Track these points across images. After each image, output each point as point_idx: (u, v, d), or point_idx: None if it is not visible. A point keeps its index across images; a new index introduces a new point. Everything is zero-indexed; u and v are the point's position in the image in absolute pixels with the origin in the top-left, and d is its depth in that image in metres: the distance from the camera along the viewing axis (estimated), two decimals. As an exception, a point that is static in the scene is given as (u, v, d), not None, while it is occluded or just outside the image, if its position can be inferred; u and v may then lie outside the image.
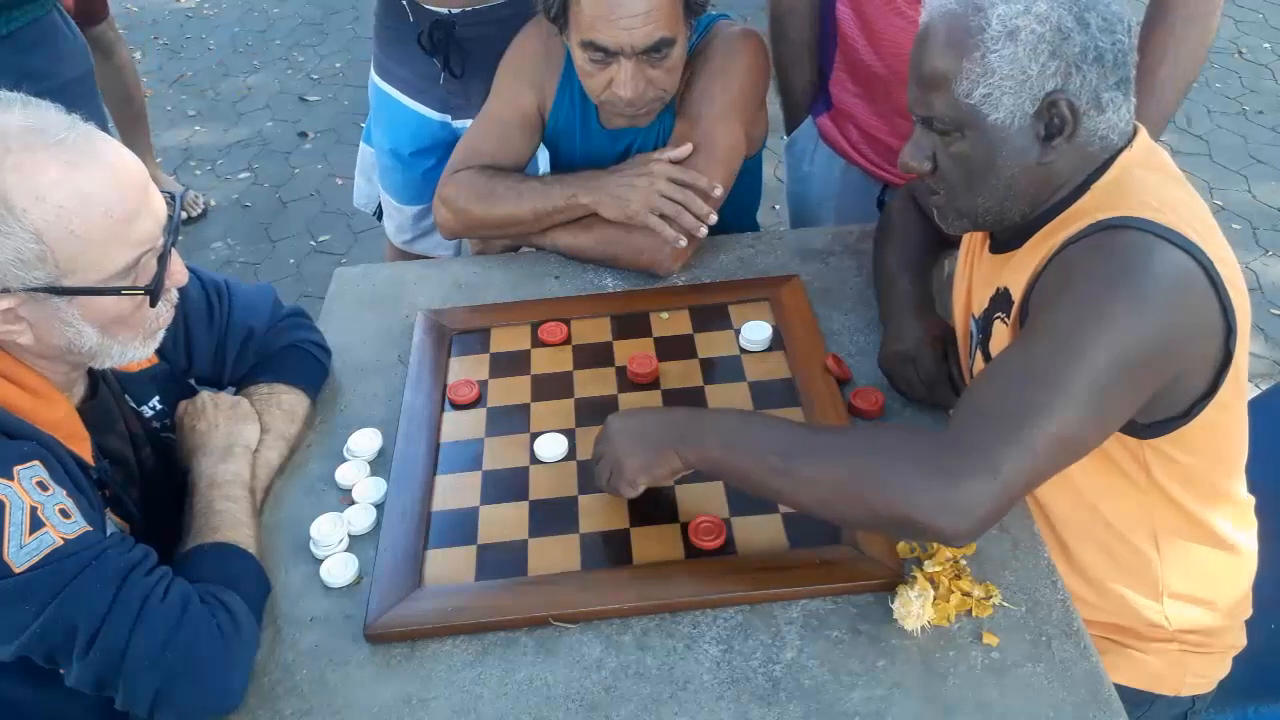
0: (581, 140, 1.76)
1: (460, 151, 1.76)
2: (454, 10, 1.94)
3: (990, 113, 1.11)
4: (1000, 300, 1.23)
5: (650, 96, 1.59)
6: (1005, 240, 1.25)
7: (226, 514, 1.21)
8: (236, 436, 1.31)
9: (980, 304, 1.30)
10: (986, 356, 1.27)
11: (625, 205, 1.60)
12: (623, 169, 1.64)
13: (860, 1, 1.69)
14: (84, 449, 1.11)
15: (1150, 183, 1.13)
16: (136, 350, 1.13)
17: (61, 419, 1.10)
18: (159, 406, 1.29)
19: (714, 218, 1.61)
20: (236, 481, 1.26)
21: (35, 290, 1.01)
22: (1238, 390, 1.16)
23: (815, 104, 1.90)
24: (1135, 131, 1.17)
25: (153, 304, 1.09)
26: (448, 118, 2.07)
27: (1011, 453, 1.01)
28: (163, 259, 1.09)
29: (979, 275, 1.33)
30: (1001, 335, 1.23)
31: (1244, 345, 1.12)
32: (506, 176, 1.71)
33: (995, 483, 1.00)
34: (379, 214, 2.35)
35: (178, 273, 1.13)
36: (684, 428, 1.17)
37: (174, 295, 1.17)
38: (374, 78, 2.14)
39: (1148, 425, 1.15)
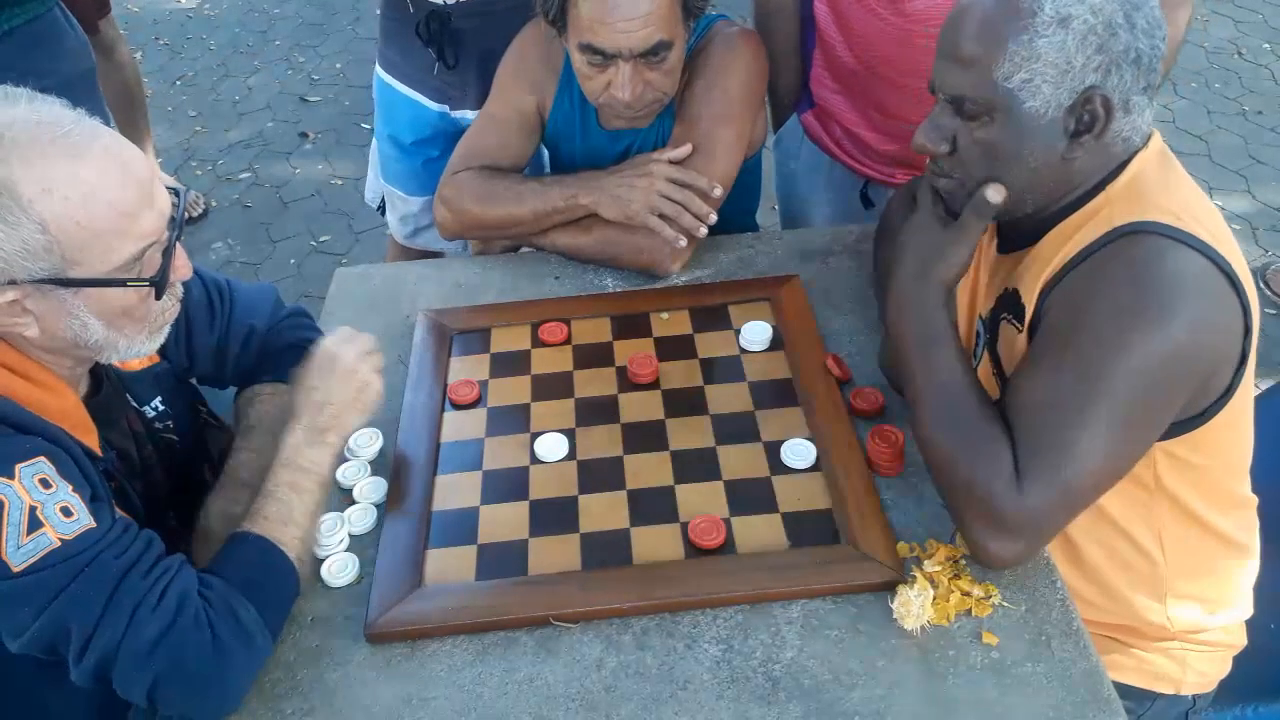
0: (581, 141, 1.76)
1: (460, 151, 1.77)
2: (449, 2, 1.95)
3: (1027, 99, 1.09)
4: (1009, 302, 1.23)
5: (649, 98, 1.59)
6: (1014, 239, 1.24)
7: (284, 505, 1.17)
8: (340, 423, 1.26)
9: (986, 304, 1.30)
10: (993, 357, 1.27)
11: (625, 206, 1.60)
12: (622, 169, 1.64)
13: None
14: (91, 440, 1.11)
15: (1164, 185, 1.14)
16: (142, 345, 1.13)
17: (69, 409, 1.10)
18: (161, 408, 1.29)
19: (713, 217, 1.61)
20: (314, 473, 1.22)
21: (41, 282, 1.01)
22: (1247, 389, 1.16)
23: (799, 101, 1.91)
24: (1150, 134, 1.17)
25: (158, 296, 1.10)
26: (445, 108, 2.09)
27: (1060, 508, 1.09)
28: (167, 253, 1.09)
29: (985, 273, 1.33)
30: (1011, 339, 1.22)
31: (1254, 344, 1.12)
32: (505, 177, 1.71)
33: (1039, 538, 1.11)
34: (383, 209, 2.37)
35: (182, 267, 1.13)
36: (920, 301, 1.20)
37: (179, 290, 1.17)
38: (378, 70, 2.16)
39: None
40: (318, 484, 1.22)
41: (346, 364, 1.29)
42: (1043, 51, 1.07)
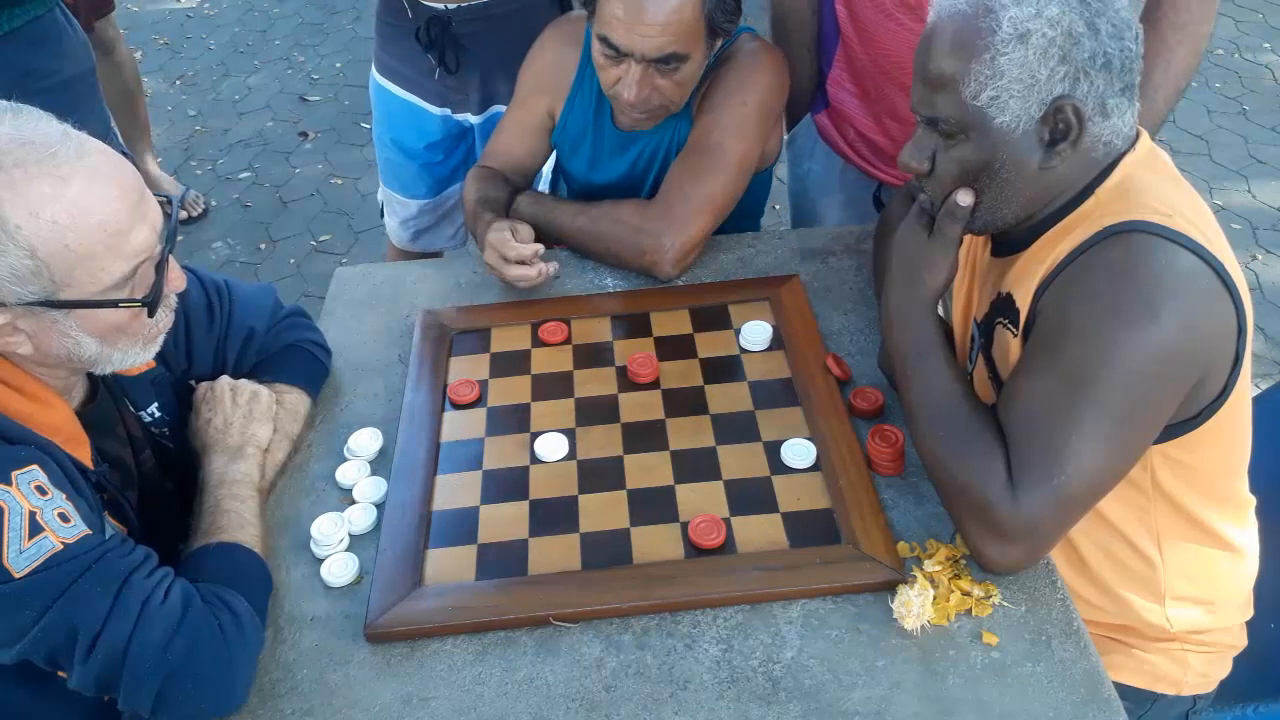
0: (593, 142, 1.78)
1: (486, 147, 1.87)
2: (449, 6, 1.96)
3: (996, 115, 1.10)
4: (1003, 306, 1.23)
5: (654, 103, 1.61)
6: (1007, 243, 1.24)
7: (234, 514, 1.21)
8: (249, 437, 1.31)
9: (981, 308, 1.30)
10: (988, 360, 1.27)
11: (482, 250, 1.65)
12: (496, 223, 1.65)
13: (852, 1, 1.70)
14: (83, 453, 1.10)
15: (1153, 185, 1.13)
16: (137, 356, 1.13)
17: (61, 423, 1.09)
18: (158, 414, 1.29)
19: (550, 272, 1.60)
20: (246, 481, 1.26)
21: (32, 305, 1.00)
22: (1244, 390, 1.16)
23: (814, 102, 1.91)
24: (1137, 135, 1.17)
25: (151, 314, 1.09)
26: (447, 111, 2.10)
27: (1056, 513, 1.09)
28: (160, 267, 1.08)
29: (980, 278, 1.33)
30: (1005, 343, 1.22)
31: (1249, 345, 1.12)
32: (485, 190, 1.74)
33: (1039, 544, 1.12)
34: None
35: (176, 280, 1.12)
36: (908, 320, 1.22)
37: (173, 301, 1.16)
38: (375, 76, 2.16)
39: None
40: (253, 488, 1.27)
41: (224, 386, 1.34)
42: (1005, 68, 1.08)
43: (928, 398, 1.17)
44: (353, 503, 1.31)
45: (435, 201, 2.23)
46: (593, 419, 1.40)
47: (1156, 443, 1.15)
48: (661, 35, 1.50)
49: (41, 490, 1.00)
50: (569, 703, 1.08)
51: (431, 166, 2.18)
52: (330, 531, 1.25)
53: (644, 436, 1.36)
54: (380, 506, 1.30)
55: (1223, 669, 1.34)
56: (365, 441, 1.39)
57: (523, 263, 1.58)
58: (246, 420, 1.32)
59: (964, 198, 1.16)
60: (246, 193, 3.79)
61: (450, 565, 1.22)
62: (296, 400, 1.42)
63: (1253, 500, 1.28)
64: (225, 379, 1.36)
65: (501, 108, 1.98)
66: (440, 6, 1.96)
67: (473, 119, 2.10)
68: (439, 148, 2.15)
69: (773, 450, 1.32)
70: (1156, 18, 1.53)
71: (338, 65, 4.60)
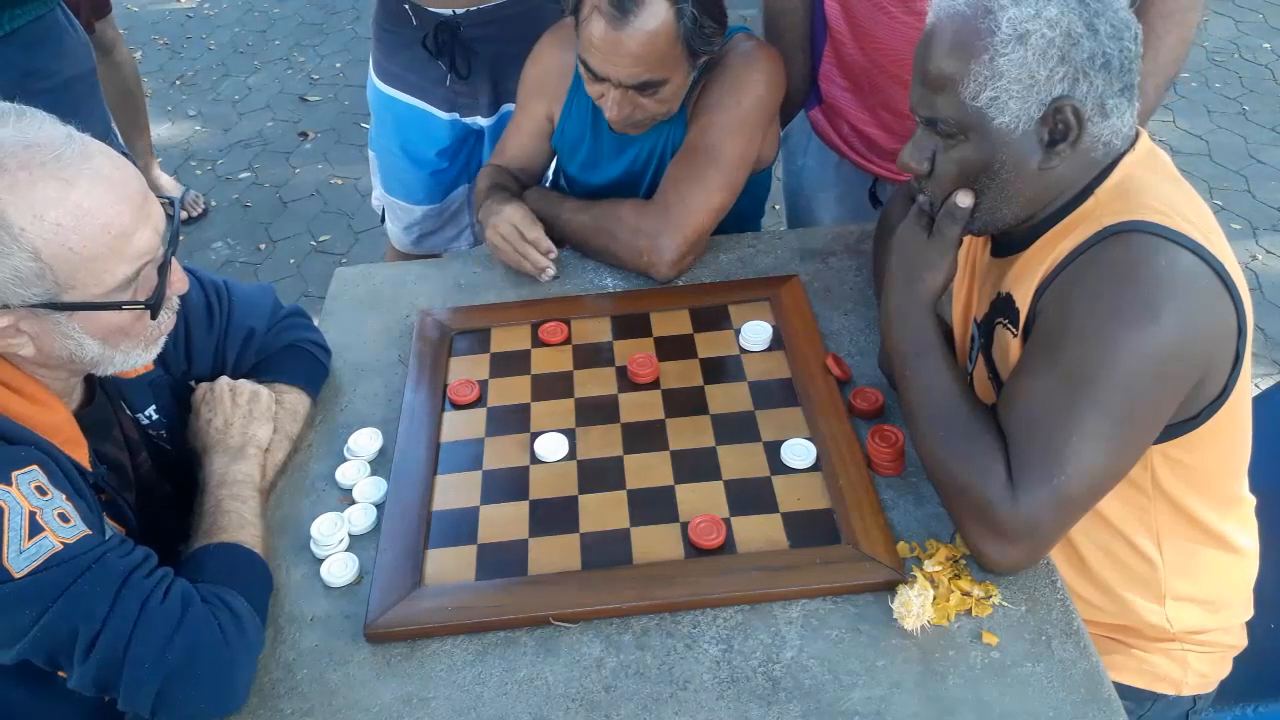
0: (591, 145, 1.79)
1: (495, 148, 1.89)
2: (458, 11, 1.95)
3: (996, 116, 1.10)
4: (1003, 306, 1.23)
5: (638, 118, 1.62)
6: (1007, 243, 1.25)
7: (234, 514, 1.21)
8: (250, 437, 1.31)
9: (981, 308, 1.30)
10: (988, 360, 1.27)
11: (486, 235, 1.69)
12: (495, 205, 1.70)
13: None
14: (81, 454, 1.10)
15: (1153, 185, 1.13)
16: (139, 357, 1.13)
17: (60, 424, 1.09)
18: (155, 416, 1.29)
19: (550, 273, 1.66)
20: (247, 482, 1.26)
21: (35, 306, 1.01)
22: (1244, 390, 1.16)
23: (807, 98, 1.91)
24: (1137, 135, 1.17)
25: (153, 316, 1.09)
26: (456, 115, 2.10)
27: (1056, 513, 1.09)
28: (163, 268, 1.08)
29: (979, 278, 1.33)
30: (1005, 343, 1.22)
31: (1249, 345, 1.12)
32: (493, 181, 1.78)
33: (1038, 544, 1.12)
34: (384, 217, 2.36)
35: (178, 282, 1.13)
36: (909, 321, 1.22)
37: (175, 302, 1.17)
38: (378, 84, 2.14)
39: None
40: (254, 488, 1.27)
41: (223, 386, 1.34)
42: (1004, 69, 1.08)
43: (927, 398, 1.17)
44: (353, 503, 1.31)
45: (440, 206, 2.23)
46: (593, 419, 1.40)
47: (1157, 443, 1.15)
48: (636, 65, 1.51)
49: (42, 490, 1.00)
50: (569, 703, 1.08)
51: (437, 174, 2.17)
52: (330, 531, 1.25)
53: (644, 436, 1.36)
54: (380, 506, 1.30)
55: (1223, 669, 1.34)
56: (365, 441, 1.39)
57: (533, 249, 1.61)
58: (247, 420, 1.32)
59: (963, 199, 1.16)
60: (246, 193, 3.79)
61: (450, 565, 1.22)
62: (296, 400, 1.42)
63: (1253, 500, 1.28)
64: (225, 379, 1.36)
65: (512, 106, 1.98)
66: (448, 12, 1.96)
67: (483, 121, 2.10)
68: (447, 154, 2.15)
69: (773, 450, 1.32)
70: (1144, 6, 1.54)
71: (338, 65, 4.61)
